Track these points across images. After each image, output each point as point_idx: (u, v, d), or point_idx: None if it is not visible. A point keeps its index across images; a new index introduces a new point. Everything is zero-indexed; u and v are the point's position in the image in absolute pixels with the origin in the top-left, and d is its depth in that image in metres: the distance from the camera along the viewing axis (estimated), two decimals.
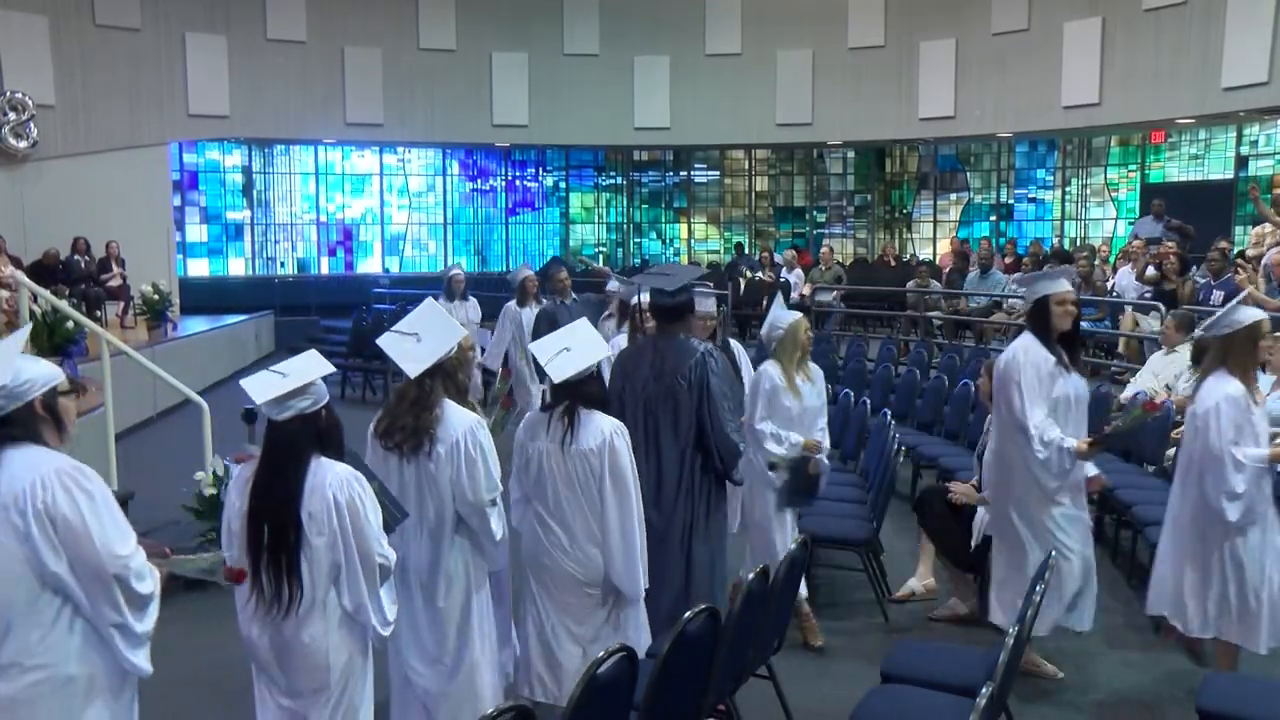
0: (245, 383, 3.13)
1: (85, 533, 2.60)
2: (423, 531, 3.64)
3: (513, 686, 4.04)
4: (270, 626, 3.10)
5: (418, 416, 3.59)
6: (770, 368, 5.32)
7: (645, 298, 4.97)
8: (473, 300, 10.58)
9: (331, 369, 3.24)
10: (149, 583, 2.72)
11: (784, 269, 15.89)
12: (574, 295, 9.32)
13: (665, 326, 4.61)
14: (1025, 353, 4.60)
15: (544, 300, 9.35)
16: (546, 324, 7.83)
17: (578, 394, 3.82)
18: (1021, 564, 4.66)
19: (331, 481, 3.07)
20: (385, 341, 3.71)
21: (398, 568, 3.32)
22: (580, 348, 3.85)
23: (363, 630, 3.18)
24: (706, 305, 5.63)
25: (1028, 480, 4.63)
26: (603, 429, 3.80)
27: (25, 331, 3.43)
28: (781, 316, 5.42)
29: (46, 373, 2.77)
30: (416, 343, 3.64)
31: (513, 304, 9.65)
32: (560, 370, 3.77)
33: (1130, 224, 16.09)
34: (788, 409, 5.23)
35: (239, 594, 3.17)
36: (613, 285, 8.56)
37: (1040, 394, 4.54)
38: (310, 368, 3.14)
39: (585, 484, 3.80)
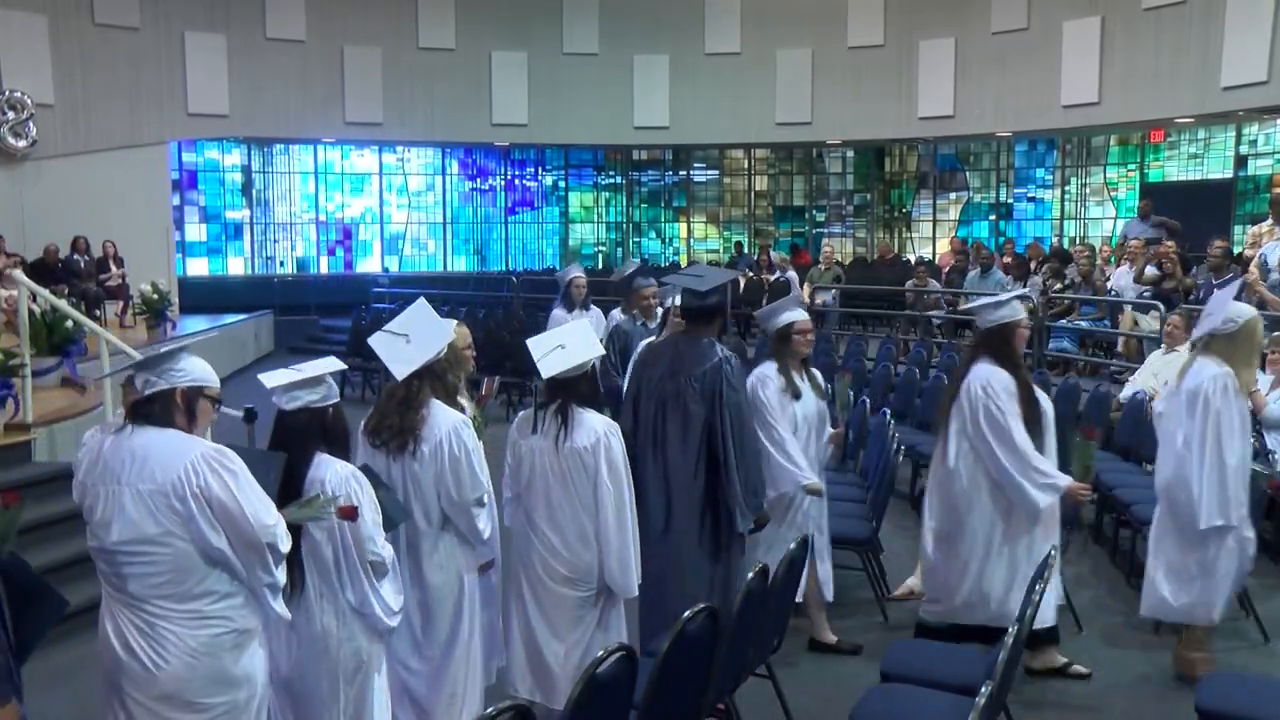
0: (263, 376, 3.29)
1: (238, 509, 2.85)
2: (411, 528, 3.67)
3: (501, 685, 4.03)
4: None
5: (403, 416, 3.63)
6: (1227, 377, 4.43)
7: (678, 299, 4.93)
8: (595, 310, 8.71)
9: (343, 366, 3.42)
10: (289, 541, 2.99)
11: (777, 269, 15.88)
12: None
13: (692, 327, 4.60)
14: None
15: (622, 316, 7.38)
16: (617, 347, 6.57)
17: (571, 392, 3.83)
18: None
19: (330, 478, 3.20)
20: (376, 341, 3.75)
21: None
22: (575, 346, 3.87)
23: (370, 625, 3.27)
24: (1018, 312, 4.69)
25: None
26: (596, 428, 3.81)
27: (215, 331, 3.73)
28: (1235, 309, 4.51)
29: (202, 371, 3.00)
30: (406, 344, 3.67)
31: (559, 310, 8.41)
32: (550, 367, 3.79)
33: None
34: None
35: None
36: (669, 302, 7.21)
37: None
38: (323, 365, 3.32)
39: (578, 482, 3.81)
